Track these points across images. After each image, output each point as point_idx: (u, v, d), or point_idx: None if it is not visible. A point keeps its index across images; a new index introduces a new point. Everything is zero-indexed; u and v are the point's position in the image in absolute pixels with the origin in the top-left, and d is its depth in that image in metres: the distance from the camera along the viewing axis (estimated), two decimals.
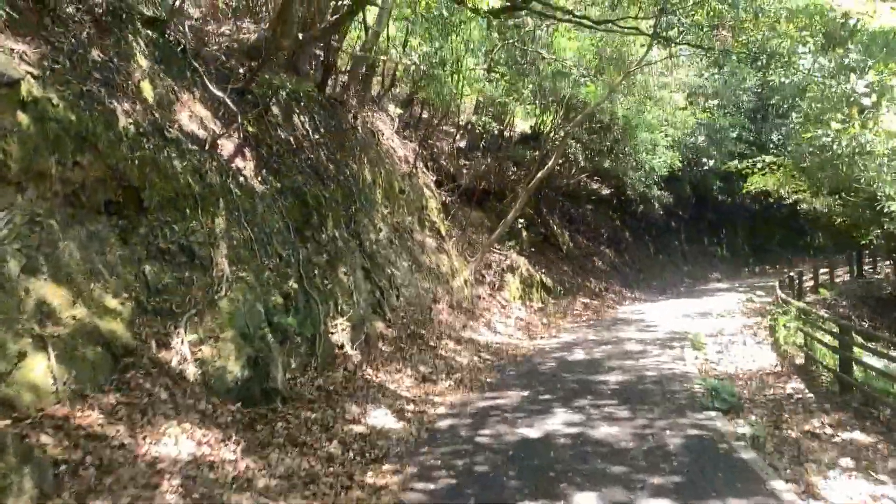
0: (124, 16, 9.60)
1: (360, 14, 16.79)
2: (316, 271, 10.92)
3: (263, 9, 15.68)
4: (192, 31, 11.94)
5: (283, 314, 9.14)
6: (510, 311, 19.28)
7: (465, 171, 23.61)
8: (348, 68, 18.46)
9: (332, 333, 10.61)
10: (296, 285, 9.87)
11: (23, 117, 6.42)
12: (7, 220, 6.18)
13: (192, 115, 9.90)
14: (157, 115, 8.81)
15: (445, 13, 15.47)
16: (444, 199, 20.96)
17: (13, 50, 6.68)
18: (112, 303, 7.01)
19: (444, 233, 19.11)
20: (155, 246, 7.92)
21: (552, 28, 22.13)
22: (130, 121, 8.03)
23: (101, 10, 8.99)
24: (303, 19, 14.98)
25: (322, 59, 16.40)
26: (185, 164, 8.74)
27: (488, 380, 11.82)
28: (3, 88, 6.23)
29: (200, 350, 7.48)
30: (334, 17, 14.61)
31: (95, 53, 8.34)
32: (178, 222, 8.28)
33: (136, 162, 7.84)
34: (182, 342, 7.31)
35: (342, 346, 10.63)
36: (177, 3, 11.89)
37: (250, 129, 10.89)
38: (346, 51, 17.55)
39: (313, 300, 10.22)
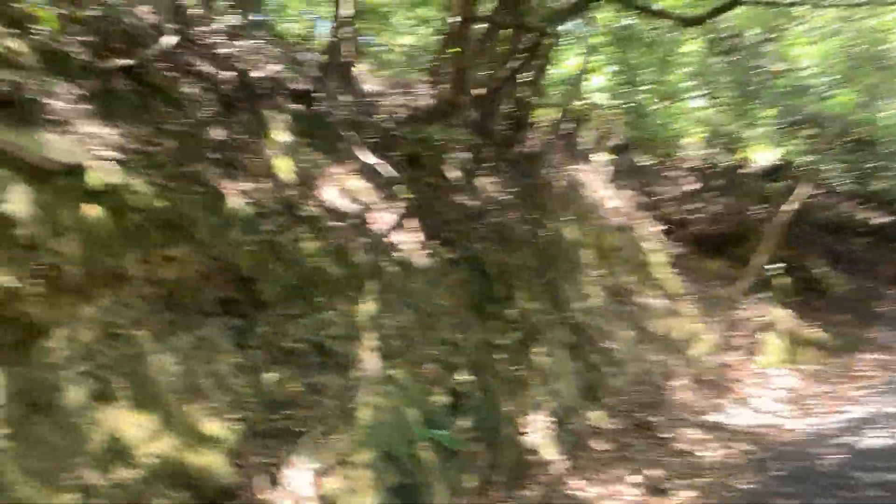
0: (263, 91, 8.74)
1: (551, 57, 15.17)
2: (499, 356, 8.93)
3: (437, 69, 14.42)
4: (351, 102, 10.94)
5: (449, 418, 7.21)
6: (770, 379, 15.58)
7: (694, 215, 20.46)
8: (542, 118, 16.71)
9: (523, 435, 8.46)
10: (469, 377, 7.93)
11: (91, 210, 5.34)
12: (67, 337, 5.01)
13: (341, 189, 8.63)
14: (288, 193, 7.58)
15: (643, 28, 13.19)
16: (670, 250, 18.03)
17: (88, 134, 5.70)
18: (212, 428, 5.58)
19: (674, 291, 16.18)
20: (278, 347, 6.48)
21: (784, 36, 18.69)
22: (245, 201, 6.82)
23: (230, 87, 8.14)
24: (488, 71, 13.69)
25: (510, 111, 14.80)
26: (320, 245, 7.34)
27: (743, 486, 8.79)
28: (62, 178, 5.19)
29: (324, 483, 5.75)
30: (518, 65, 12.95)
31: (216, 132, 7.36)
32: (309, 315, 6.81)
33: (250, 248, 6.53)
34: (300, 474, 5.64)
35: (537, 452, 8.41)
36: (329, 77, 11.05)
37: (411, 195, 9.39)
38: (538, 99, 15.84)
39: (494, 394, 8.20)
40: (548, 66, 15.42)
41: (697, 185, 22.46)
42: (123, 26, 7.36)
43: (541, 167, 14.68)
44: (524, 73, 13.64)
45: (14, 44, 5.72)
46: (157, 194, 5.93)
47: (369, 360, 6.93)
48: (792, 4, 12.79)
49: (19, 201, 4.74)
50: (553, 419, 9.12)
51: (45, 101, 5.53)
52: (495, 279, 9.86)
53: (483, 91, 12.45)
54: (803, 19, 16.96)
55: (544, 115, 18.12)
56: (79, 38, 6.63)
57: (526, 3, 11.10)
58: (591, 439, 9.62)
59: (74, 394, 4.87)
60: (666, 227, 19.10)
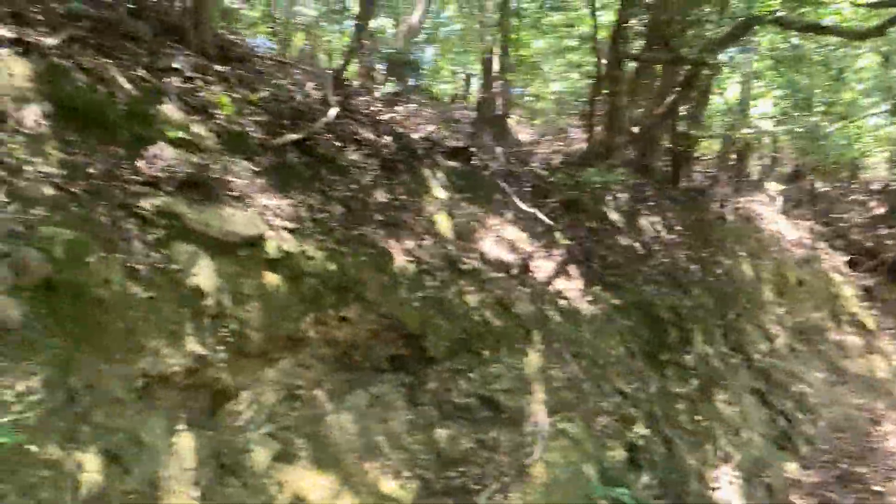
0: (421, 151, 9.00)
1: (710, 87, 14.51)
2: (679, 405, 8.38)
3: (590, 112, 14.26)
4: (505, 153, 11.00)
5: (629, 474, 6.81)
6: None
7: (887, 241, 18.48)
8: (705, 152, 15.96)
9: (713, 490, 7.82)
10: (647, 430, 7.49)
11: (270, 277, 5.64)
12: (251, 400, 5.27)
13: (498, 240, 8.62)
14: (449, 248, 7.66)
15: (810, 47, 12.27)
16: (860, 282, 16.34)
17: (265, 206, 6.08)
18: (390, 486, 5.61)
19: (871, 326, 14.59)
20: (449, 403, 6.46)
21: None
22: (410, 259, 6.95)
23: (390, 150, 8.45)
24: (644, 109, 13.31)
25: (670, 147, 14.26)
26: (483, 297, 7.30)
27: None
28: (243, 249, 5.54)
29: None
30: (675, 99, 12.48)
31: (380, 194, 7.64)
32: (476, 368, 6.75)
33: (416, 305, 6.61)
34: None
35: None
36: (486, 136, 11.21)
37: (571, 241, 9.19)
38: (699, 131, 15.14)
39: (677, 447, 7.67)
40: (708, 98, 14.77)
41: (885, 209, 20.34)
42: (292, 104, 7.89)
43: (708, 202, 13.95)
44: (682, 107, 13.13)
45: (198, 129, 6.28)
46: (329, 258, 6.18)
47: (540, 414, 6.73)
48: None
49: (206, 274, 5.09)
50: (743, 472, 8.37)
51: (226, 178, 5.98)
52: (668, 323, 9.34)
53: (639, 129, 12.10)
54: None
55: (708, 148, 17.33)
56: (254, 119, 7.19)
57: (679, 37, 10.71)
58: (789, 493, 8.72)
59: (259, 455, 5.07)
60: (852, 256, 17.37)
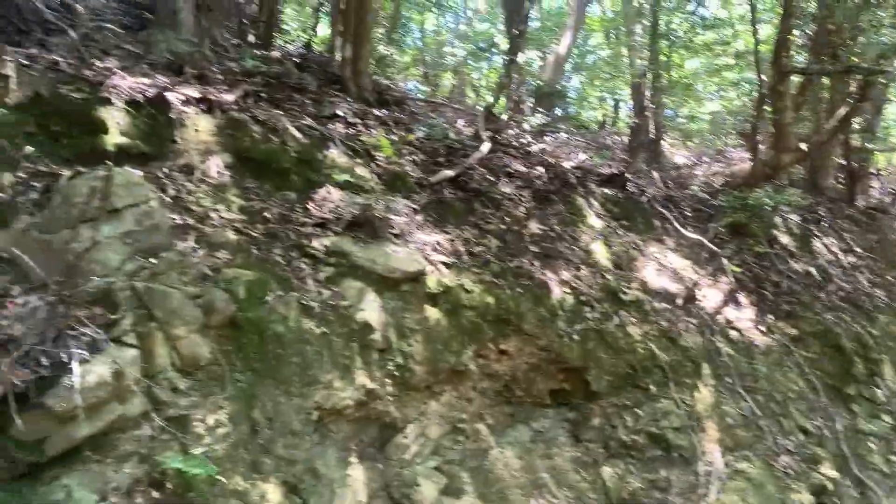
0: (574, 180, 8.89)
1: (885, 97, 13.33)
2: (871, 445, 7.58)
3: (752, 131, 13.53)
4: (662, 177, 10.63)
5: None
6: None
7: None
8: (884, 166, 14.62)
9: None
10: (835, 472, 6.82)
11: (431, 311, 5.74)
12: (417, 433, 5.35)
13: (660, 268, 8.28)
14: (608, 278, 7.46)
15: None
16: None
17: (424, 242, 6.22)
18: None
19: None
20: (615, 439, 6.23)
21: None
22: (568, 291, 6.83)
23: (542, 181, 8.42)
24: (815, 125, 12.41)
25: (842, 164, 13.18)
26: (647, 330, 7.02)
27: None
28: (406, 284, 5.68)
29: None
30: (846, 112, 11.54)
31: (533, 226, 7.60)
32: (642, 405, 6.47)
33: (576, 338, 6.46)
34: None
35: None
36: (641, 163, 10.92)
37: (739, 268, 8.65)
38: (875, 145, 13.90)
39: (871, 491, 6.92)
40: (882, 108, 13.57)
41: None
42: (446, 141, 8.07)
43: (891, 220, 12.72)
44: (855, 120, 12.11)
45: (361, 171, 6.56)
46: (487, 291, 6.20)
47: (714, 453, 6.33)
48: None
49: (373, 309, 5.26)
50: None
51: (388, 217, 6.18)
52: (853, 354, 8.52)
53: (808, 146, 11.27)
54: None
55: (886, 163, 15.91)
56: (411, 158, 7.43)
57: (849, 46, 9.93)
58: None
59: (427, 489, 5.12)
60: None
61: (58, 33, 5.70)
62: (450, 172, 7.35)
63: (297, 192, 5.93)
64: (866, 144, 12.75)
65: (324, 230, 5.67)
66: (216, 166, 5.49)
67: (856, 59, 10.07)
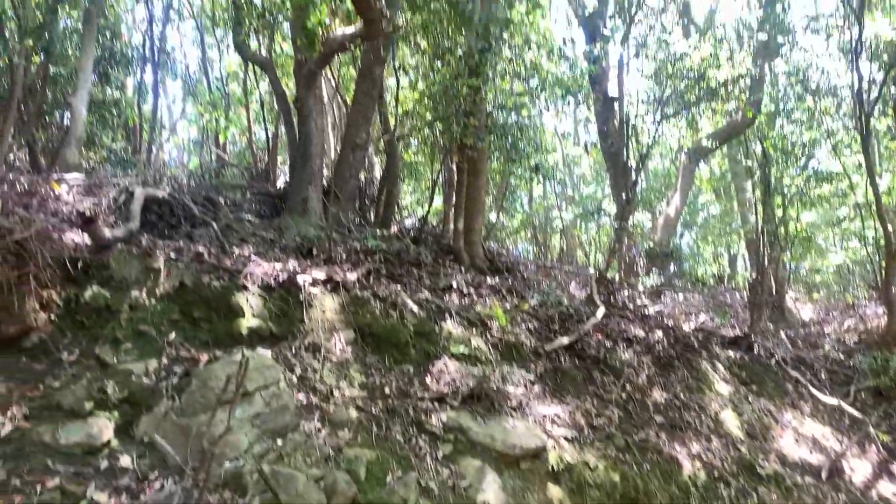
0: (695, 344, 8.60)
1: None
2: None
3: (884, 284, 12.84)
4: (790, 336, 10.11)
5: None
6: None
7: None
8: None
9: None
10: None
11: (554, 490, 5.50)
12: None
13: (798, 437, 7.67)
14: (742, 450, 6.96)
15: None
16: None
17: (543, 415, 6.09)
18: None
19: None
20: None
21: None
22: (699, 465, 6.40)
23: (662, 345, 8.19)
24: None
25: None
26: None
27: None
28: (526, 461, 5.51)
29: None
30: None
31: (656, 394, 7.32)
32: None
33: None
34: None
35: None
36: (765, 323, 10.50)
37: (886, 436, 7.89)
38: None
39: None
40: None
41: None
42: (560, 308, 8.09)
43: None
44: None
45: (477, 341, 6.63)
46: (612, 467, 5.90)
47: None
48: None
49: (493, 490, 5.09)
50: None
51: (505, 388, 6.14)
52: None
53: None
54: None
55: None
56: (526, 326, 7.46)
57: None
58: None
59: None
60: None
61: (203, 225, 6.31)
62: (565, 340, 7.30)
63: (414, 365, 6.03)
64: None
65: (441, 404, 5.68)
66: (340, 343, 5.71)
67: None
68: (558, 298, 8.34)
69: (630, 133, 10.96)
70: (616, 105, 11.18)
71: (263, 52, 8.80)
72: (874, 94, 9.31)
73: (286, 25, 8.08)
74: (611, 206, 13.51)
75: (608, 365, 7.36)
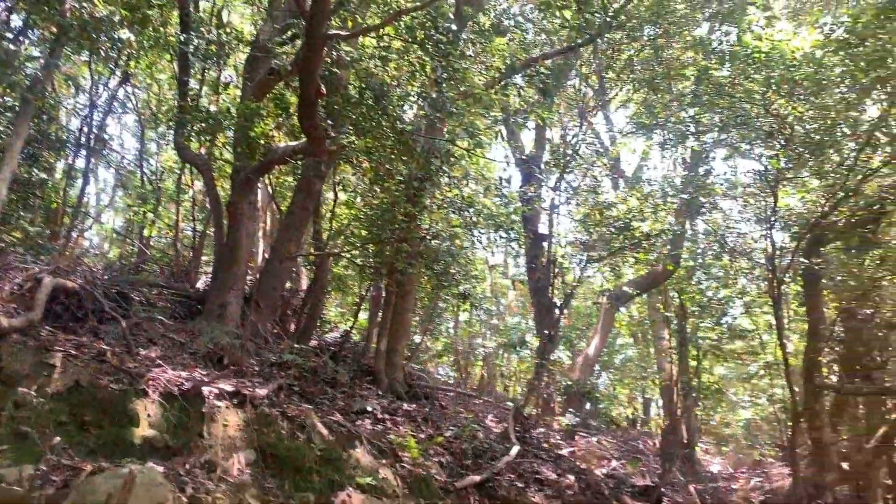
0: (606, 491, 8.48)
1: None
2: None
3: (790, 444, 13.12)
4: (701, 493, 10.11)
5: None
6: None
7: None
8: None
9: None
10: None
11: None
12: None
13: None
14: None
15: None
16: None
17: None
18: None
19: None
20: None
21: None
22: None
23: (573, 491, 8.03)
24: (854, 444, 11.98)
25: (891, 486, 12.46)
26: None
27: None
28: None
29: None
30: (886, 432, 11.21)
31: None
32: None
33: None
34: None
35: None
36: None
37: None
38: None
39: None
40: None
41: None
42: (474, 442, 7.90)
43: None
44: None
45: (385, 473, 6.34)
46: None
47: None
48: None
49: None
50: None
51: None
52: None
53: (852, 465, 10.77)
54: None
55: None
56: (438, 460, 7.21)
57: (881, 368, 9.99)
58: None
59: None
60: None
61: (111, 321, 6.00)
62: (477, 478, 7.07)
63: (316, 494, 5.70)
64: None
65: None
66: (239, 463, 5.37)
67: (890, 381, 10.06)
68: (473, 432, 8.17)
69: (556, 272, 11.24)
70: (545, 244, 11.52)
71: (203, 152, 8.79)
72: (785, 260, 9.86)
73: (230, 130, 8.14)
74: (533, 340, 13.61)
75: None
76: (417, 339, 13.41)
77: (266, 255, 10.08)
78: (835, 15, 9.81)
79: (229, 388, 5.81)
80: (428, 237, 8.04)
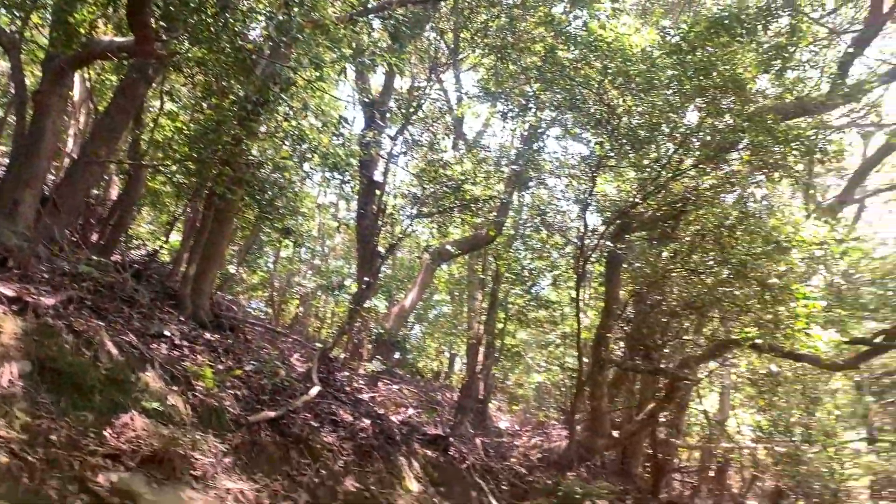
0: (399, 437, 8.76)
1: (691, 397, 14.64)
2: None
3: (572, 410, 14.24)
4: (484, 444, 10.75)
5: None
6: None
7: None
8: (687, 462, 15.66)
9: None
10: None
11: None
12: None
13: None
14: None
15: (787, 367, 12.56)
16: None
17: (228, 489, 5.72)
18: None
19: None
20: None
21: None
22: None
23: (367, 434, 8.22)
24: (627, 414, 13.24)
25: (651, 454, 13.97)
26: None
27: None
28: None
29: None
30: (655, 406, 12.46)
31: (349, 483, 7.27)
32: None
33: None
34: None
35: None
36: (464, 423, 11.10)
37: None
38: (679, 440, 14.96)
39: None
40: (687, 407, 14.83)
41: None
42: (275, 379, 7.83)
43: None
44: (664, 415, 13.12)
45: (175, 400, 6.13)
46: None
47: None
48: None
49: None
50: None
51: (193, 455, 5.70)
52: None
53: (621, 434, 11.94)
54: None
55: (689, 459, 17.04)
56: (234, 392, 7.08)
57: (659, 350, 11.07)
58: None
59: None
60: None
61: None
62: (272, 413, 7.03)
63: (96, 415, 5.39)
64: (671, 439, 13.71)
65: (115, 463, 5.10)
66: (10, 374, 4.95)
67: (664, 363, 11.17)
68: (276, 368, 8.09)
69: (385, 221, 11.29)
70: (378, 192, 11.51)
71: (13, 30, 7.80)
72: (594, 242, 10.59)
73: (48, 11, 7.28)
74: (353, 286, 13.65)
75: (309, 447, 7.20)
76: (233, 269, 12.98)
77: (74, 156, 9.23)
78: (676, 21, 10.49)
79: (9, 293, 5.31)
80: (255, 165, 7.74)
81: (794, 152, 8.06)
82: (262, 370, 7.81)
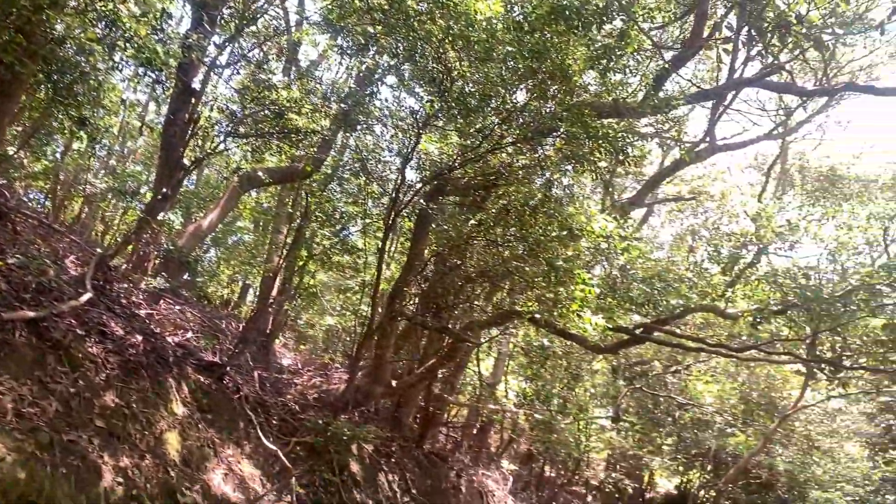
0: (172, 359, 8.40)
1: (469, 359, 15.47)
2: None
3: (356, 356, 14.48)
4: (262, 378, 10.63)
5: None
6: None
7: None
8: (455, 418, 16.58)
9: None
10: None
11: None
12: None
13: (229, 474, 7.96)
14: (171, 474, 6.90)
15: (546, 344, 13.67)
16: None
17: None
18: None
19: None
20: None
21: (686, 372, 19.79)
22: (120, 480, 6.13)
23: (137, 351, 7.79)
24: (408, 366, 13.70)
25: (423, 406, 14.62)
26: None
27: None
28: None
29: None
30: (436, 363, 12.98)
31: (108, 398, 6.86)
32: None
33: None
34: None
35: None
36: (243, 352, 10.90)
37: (302, 490, 8.72)
38: (452, 398, 15.80)
39: None
40: (464, 367, 15.68)
41: None
42: (42, 278, 7.17)
43: (448, 468, 14.17)
44: (442, 371, 13.75)
45: None
46: (21, 463, 5.27)
47: None
48: (689, 349, 13.55)
49: None
50: None
51: None
52: None
53: (398, 384, 12.35)
54: (702, 358, 18.12)
55: (457, 415, 18.07)
56: None
57: (449, 310, 11.54)
58: None
59: None
60: None
61: None
62: (30, 313, 6.43)
63: None
64: (444, 395, 14.42)
65: None
66: None
67: (452, 323, 11.65)
68: (44, 267, 7.40)
69: (195, 133, 10.61)
70: (193, 100, 10.76)
71: None
72: (408, 197, 10.73)
73: None
74: (148, 195, 12.75)
75: (69, 354, 6.70)
76: (12, 150, 11.59)
77: None
78: None
79: None
80: (56, 41, 6.91)
81: (602, 149, 8.65)
82: (27, 265, 7.10)
